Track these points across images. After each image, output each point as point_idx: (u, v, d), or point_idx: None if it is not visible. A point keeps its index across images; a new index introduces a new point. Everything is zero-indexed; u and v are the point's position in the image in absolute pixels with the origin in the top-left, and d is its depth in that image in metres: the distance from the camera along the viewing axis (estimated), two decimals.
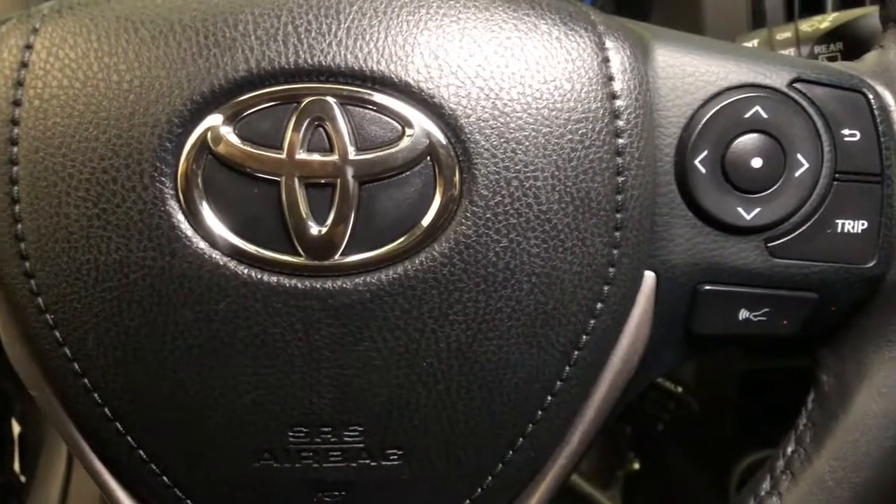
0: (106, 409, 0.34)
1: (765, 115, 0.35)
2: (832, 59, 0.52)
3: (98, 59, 0.32)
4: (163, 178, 0.32)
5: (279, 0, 0.32)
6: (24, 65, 0.33)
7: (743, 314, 0.37)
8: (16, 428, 0.74)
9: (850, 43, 0.51)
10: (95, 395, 0.34)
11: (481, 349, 0.34)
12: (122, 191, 0.32)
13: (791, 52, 0.54)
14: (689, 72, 0.35)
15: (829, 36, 0.52)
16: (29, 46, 0.33)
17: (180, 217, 0.32)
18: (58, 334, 0.33)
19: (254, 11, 0.32)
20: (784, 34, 0.54)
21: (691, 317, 0.37)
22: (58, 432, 0.37)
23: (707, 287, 0.37)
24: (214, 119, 0.32)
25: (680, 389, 0.71)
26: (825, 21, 0.53)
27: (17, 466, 0.74)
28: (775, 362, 0.66)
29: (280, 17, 0.32)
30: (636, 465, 0.84)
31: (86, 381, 0.34)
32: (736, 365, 0.70)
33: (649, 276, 0.36)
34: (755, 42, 0.56)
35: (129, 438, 0.35)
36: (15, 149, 0.32)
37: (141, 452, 0.35)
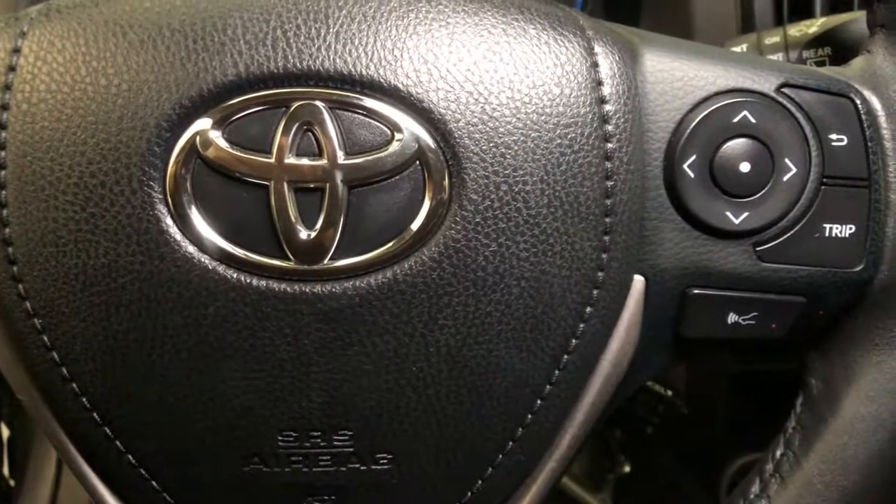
0: (94, 414, 0.34)
1: (753, 120, 0.35)
2: (820, 63, 0.52)
3: (86, 62, 0.32)
4: (151, 183, 0.32)
5: (268, 4, 0.32)
6: (11, 68, 0.32)
7: (732, 318, 0.37)
8: (4, 431, 0.74)
9: (838, 48, 0.52)
10: (83, 399, 0.34)
11: (471, 353, 0.34)
12: (110, 195, 0.32)
13: (780, 56, 0.54)
14: (678, 77, 0.36)
15: (817, 41, 0.52)
16: (17, 50, 0.33)
17: (169, 221, 0.32)
18: (46, 339, 0.33)
19: (243, 16, 0.32)
20: (773, 39, 0.55)
21: (680, 320, 0.37)
22: (46, 437, 0.37)
23: (696, 291, 0.37)
24: (203, 123, 0.32)
25: (669, 393, 0.71)
26: (813, 26, 0.53)
27: (6, 470, 0.73)
28: (763, 365, 0.66)
29: (269, 22, 0.32)
30: (627, 468, 0.84)
31: (74, 385, 0.34)
32: (725, 368, 0.71)
33: (638, 280, 0.36)
34: (744, 46, 0.56)
35: (117, 443, 0.35)
36: (2, 153, 0.32)
37: (130, 457, 0.35)
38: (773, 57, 0.54)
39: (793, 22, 0.69)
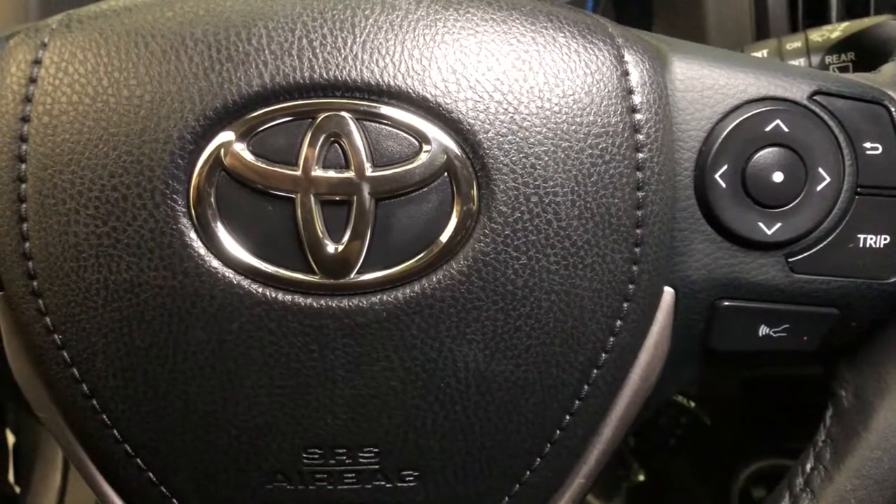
0: (115, 431, 0.34)
1: (785, 129, 0.34)
2: (843, 69, 0.52)
3: (108, 73, 0.32)
4: (174, 196, 0.31)
5: (293, 13, 0.32)
6: (32, 80, 0.32)
7: (763, 330, 0.36)
8: (10, 438, 0.73)
9: (862, 52, 0.51)
10: (104, 416, 0.33)
11: (499, 368, 0.33)
12: (132, 209, 0.31)
13: (801, 61, 0.53)
14: (708, 84, 0.35)
15: (840, 45, 0.52)
16: (37, 61, 0.32)
17: (192, 235, 0.31)
18: (66, 355, 0.33)
19: (267, 25, 0.32)
20: (794, 44, 0.54)
21: (710, 333, 0.37)
22: (65, 453, 0.36)
23: (726, 303, 0.36)
24: (227, 135, 0.31)
25: (692, 404, 0.71)
26: (836, 31, 0.53)
27: (11, 477, 0.73)
28: (783, 370, 0.65)
29: (294, 31, 0.31)
30: (641, 477, 0.83)
31: (94, 402, 0.33)
32: (741, 373, 0.70)
33: (668, 293, 0.35)
34: (764, 52, 0.55)
35: (138, 461, 0.34)
36: (23, 166, 0.32)
37: (150, 475, 0.34)
38: (795, 62, 0.53)
39: (807, 26, 0.69)
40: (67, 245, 0.32)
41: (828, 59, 0.52)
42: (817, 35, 0.54)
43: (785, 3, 0.71)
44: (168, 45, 0.32)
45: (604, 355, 0.34)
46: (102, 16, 0.33)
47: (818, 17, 0.68)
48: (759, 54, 0.55)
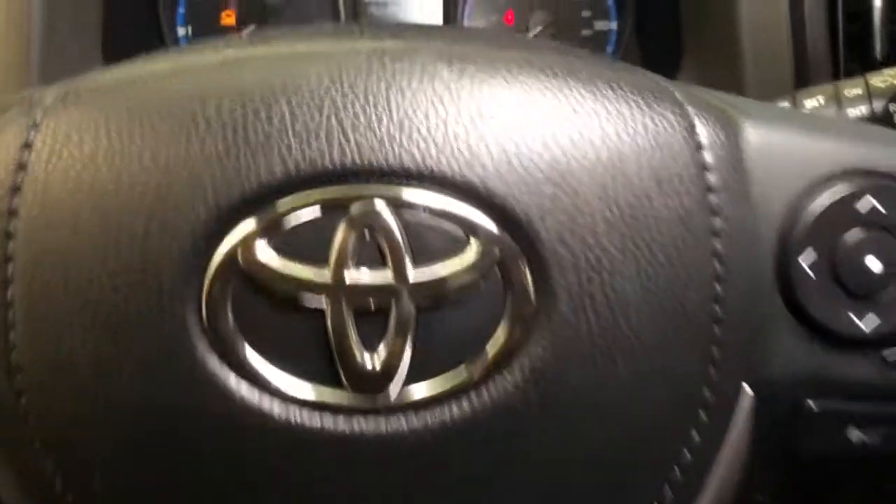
0: None
1: (881, 209, 0.30)
2: None
3: (108, 159, 0.28)
4: (185, 303, 0.27)
5: (320, 88, 0.28)
6: (21, 167, 0.28)
7: (854, 434, 0.32)
8: None
9: None
10: None
11: (559, 496, 0.29)
12: (136, 316, 0.27)
13: (862, 109, 0.49)
14: (787, 155, 0.31)
15: None
16: (27, 145, 0.28)
17: (206, 348, 0.27)
18: (59, 482, 0.28)
19: (290, 101, 0.27)
20: (854, 90, 0.50)
21: (794, 437, 0.32)
22: None
23: (812, 404, 0.32)
24: (245, 229, 0.27)
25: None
26: None
27: None
28: None
29: (322, 109, 0.27)
30: None
31: None
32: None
33: (747, 394, 0.31)
34: (820, 98, 0.51)
35: None
36: (9, 267, 0.28)
37: None
38: (856, 110, 0.49)
39: (851, 66, 0.65)
40: (61, 357, 0.28)
41: (892, 107, 0.48)
42: (879, 80, 0.49)
43: (825, 39, 0.67)
44: (177, 125, 0.28)
45: (678, 471, 0.30)
46: (103, 89, 0.29)
47: (861, 56, 0.65)
48: (813, 101, 0.51)
